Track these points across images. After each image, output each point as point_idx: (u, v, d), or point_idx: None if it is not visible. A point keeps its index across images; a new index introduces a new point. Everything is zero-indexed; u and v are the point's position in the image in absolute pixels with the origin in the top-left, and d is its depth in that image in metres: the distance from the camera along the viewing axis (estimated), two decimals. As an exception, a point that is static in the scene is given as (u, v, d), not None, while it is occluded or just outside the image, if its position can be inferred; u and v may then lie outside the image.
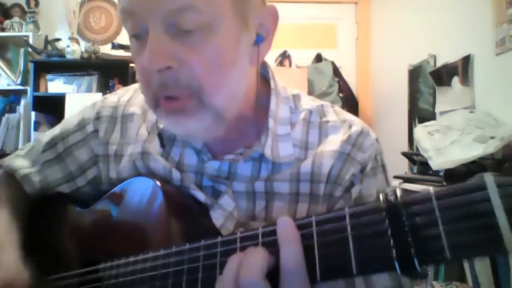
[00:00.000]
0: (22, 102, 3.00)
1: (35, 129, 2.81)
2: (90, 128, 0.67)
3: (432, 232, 0.32)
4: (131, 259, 0.53)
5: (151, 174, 0.60)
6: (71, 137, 0.68)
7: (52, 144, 0.69)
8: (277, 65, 3.15)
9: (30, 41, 2.91)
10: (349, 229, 0.37)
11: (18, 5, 3.11)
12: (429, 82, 2.29)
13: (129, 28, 0.51)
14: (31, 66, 2.88)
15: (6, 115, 2.94)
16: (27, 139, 2.86)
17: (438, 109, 2.20)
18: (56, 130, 0.70)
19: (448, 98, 2.09)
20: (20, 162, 0.70)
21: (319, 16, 3.34)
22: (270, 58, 3.06)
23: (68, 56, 2.84)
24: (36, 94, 2.85)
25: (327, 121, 0.61)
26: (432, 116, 2.25)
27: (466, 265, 1.50)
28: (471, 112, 1.78)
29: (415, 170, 2.17)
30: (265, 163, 0.58)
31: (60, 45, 2.95)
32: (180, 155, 0.61)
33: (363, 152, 0.58)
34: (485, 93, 1.83)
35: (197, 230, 0.55)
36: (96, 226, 0.63)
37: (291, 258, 0.38)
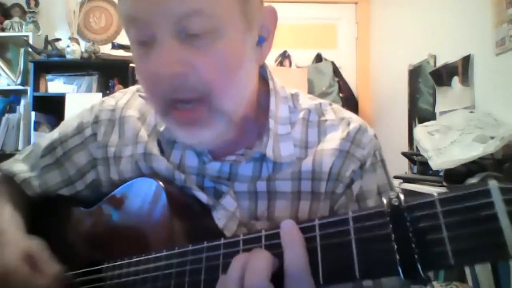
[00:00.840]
0: (22, 102, 3.00)
1: (35, 129, 2.81)
2: (88, 131, 0.67)
3: (436, 238, 0.32)
4: (134, 259, 0.53)
5: (154, 174, 0.60)
6: (70, 141, 0.68)
7: (51, 148, 0.69)
8: (277, 65, 3.15)
9: (30, 41, 2.91)
10: (352, 233, 0.37)
11: (18, 5, 3.11)
12: (429, 82, 2.29)
13: (134, 34, 0.50)
14: (31, 66, 2.88)
15: (6, 115, 2.94)
16: (27, 139, 2.86)
17: (438, 109, 2.20)
18: (55, 134, 0.70)
19: (448, 98, 2.09)
20: (19, 167, 0.70)
21: (319, 16, 3.34)
22: (270, 58, 3.05)
23: (68, 56, 2.85)
24: (36, 94, 2.85)
25: (326, 120, 0.62)
26: (432, 116, 2.25)
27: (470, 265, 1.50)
28: (471, 112, 1.78)
29: (415, 170, 2.17)
30: (266, 163, 0.59)
31: (60, 45, 2.95)
32: (180, 157, 0.61)
33: (362, 149, 0.59)
34: (485, 93, 1.83)
35: (200, 231, 0.55)
36: (98, 226, 0.64)
37: (296, 261, 0.38)
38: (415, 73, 2.51)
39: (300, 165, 0.58)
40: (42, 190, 0.69)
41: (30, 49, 2.92)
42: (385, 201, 0.36)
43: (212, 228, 0.56)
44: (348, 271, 0.36)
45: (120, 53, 2.89)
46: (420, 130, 1.81)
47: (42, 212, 0.68)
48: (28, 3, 3.09)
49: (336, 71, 3.13)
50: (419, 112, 2.46)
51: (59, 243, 0.62)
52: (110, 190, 0.63)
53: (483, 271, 1.44)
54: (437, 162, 1.59)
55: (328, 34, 3.35)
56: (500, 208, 0.30)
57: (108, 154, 0.65)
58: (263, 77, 0.64)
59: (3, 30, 3.03)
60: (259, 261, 0.39)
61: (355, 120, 0.61)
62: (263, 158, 0.58)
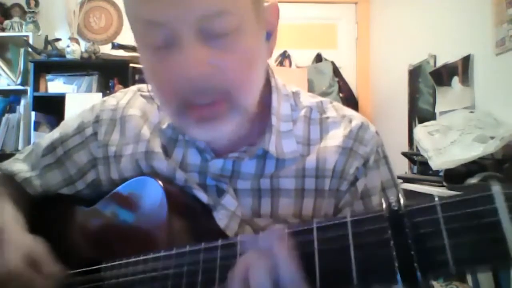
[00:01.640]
0: (22, 102, 3.00)
1: (35, 129, 2.81)
2: (89, 131, 0.67)
3: (436, 244, 0.31)
4: (132, 259, 0.53)
5: (154, 174, 0.60)
6: (70, 141, 0.68)
7: (51, 148, 0.69)
8: (277, 65, 3.15)
9: (30, 41, 2.91)
10: (350, 237, 0.36)
11: (18, 5, 3.11)
12: (429, 82, 2.29)
13: (153, 39, 0.49)
14: (31, 66, 2.88)
15: (6, 115, 2.94)
16: (27, 139, 2.86)
17: (438, 109, 2.20)
18: (55, 134, 0.70)
19: (448, 98, 2.09)
20: (19, 166, 0.70)
21: (319, 16, 3.34)
22: (270, 58, 3.05)
23: (68, 56, 2.85)
24: (36, 94, 2.85)
25: (327, 117, 0.62)
26: (432, 116, 2.25)
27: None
28: (471, 112, 1.78)
29: (415, 170, 2.17)
30: (269, 160, 0.59)
31: (60, 45, 2.95)
32: (182, 155, 0.61)
33: (365, 146, 0.59)
34: (485, 93, 1.83)
35: (201, 232, 0.55)
36: (96, 226, 0.64)
37: (282, 268, 0.37)
38: (415, 73, 2.51)
39: (304, 163, 0.58)
40: (43, 190, 0.68)
41: (30, 49, 2.92)
42: (384, 205, 0.35)
43: (213, 228, 0.56)
44: (346, 277, 0.35)
45: (120, 53, 2.89)
46: (420, 130, 1.81)
47: (42, 211, 0.68)
48: (28, 3, 3.09)
49: (336, 71, 3.13)
50: (419, 112, 2.46)
51: (58, 241, 0.62)
52: (110, 189, 0.63)
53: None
54: (437, 162, 1.59)
55: (328, 34, 3.35)
56: (504, 215, 0.29)
57: (108, 153, 0.65)
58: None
59: (3, 30, 3.03)
60: (262, 260, 0.39)
61: (356, 118, 0.62)
62: (265, 155, 0.58)
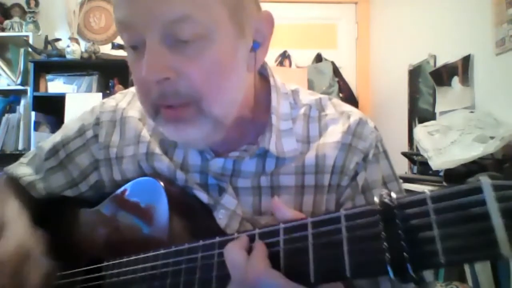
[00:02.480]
0: (22, 102, 3.00)
1: (35, 129, 2.81)
2: (90, 133, 0.68)
3: (426, 236, 0.32)
4: (132, 258, 0.53)
5: (156, 174, 0.61)
6: (72, 144, 0.68)
7: (54, 151, 0.70)
8: (277, 65, 3.16)
9: (30, 41, 2.91)
10: (344, 231, 0.36)
11: (18, 5, 3.11)
12: (429, 82, 2.29)
13: (126, 39, 0.51)
14: (31, 66, 2.88)
15: (6, 115, 2.94)
16: (27, 139, 2.86)
17: (438, 109, 2.20)
18: (57, 137, 0.71)
19: (448, 98, 2.09)
20: (23, 170, 0.71)
21: (319, 16, 3.34)
22: (270, 58, 3.06)
23: (68, 56, 2.84)
24: (36, 94, 2.85)
25: (326, 114, 0.62)
26: (432, 116, 2.25)
27: (466, 265, 1.50)
28: (471, 112, 1.78)
29: (415, 170, 2.17)
30: (269, 158, 0.59)
31: (60, 45, 2.94)
32: (183, 156, 0.61)
33: (364, 141, 0.60)
34: (485, 93, 1.83)
35: (201, 231, 0.55)
36: (99, 226, 0.64)
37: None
38: (415, 73, 2.51)
39: (304, 160, 0.59)
40: (47, 192, 0.69)
41: (30, 49, 2.92)
42: (376, 199, 0.35)
43: (213, 228, 0.56)
44: (339, 270, 0.35)
45: (120, 53, 2.89)
46: (420, 130, 1.81)
47: (46, 212, 0.68)
48: (28, 3, 3.09)
49: (336, 71, 3.13)
50: (419, 112, 2.47)
51: (61, 241, 0.63)
52: (113, 190, 0.64)
53: (483, 271, 1.44)
54: (437, 162, 1.59)
55: (328, 34, 3.35)
56: (492, 206, 0.29)
57: (110, 155, 0.66)
58: (263, 74, 0.64)
59: (3, 30, 3.03)
60: (260, 250, 0.40)
61: (355, 113, 0.62)
62: (266, 153, 0.59)
